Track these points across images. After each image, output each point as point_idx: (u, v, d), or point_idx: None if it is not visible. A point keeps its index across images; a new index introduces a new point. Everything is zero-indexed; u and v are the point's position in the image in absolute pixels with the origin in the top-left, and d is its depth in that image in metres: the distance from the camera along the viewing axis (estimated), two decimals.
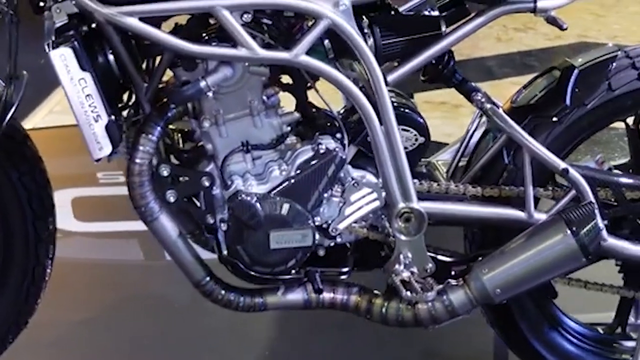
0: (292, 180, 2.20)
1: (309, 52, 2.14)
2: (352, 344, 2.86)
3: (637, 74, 2.33)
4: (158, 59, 2.20)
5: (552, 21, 2.22)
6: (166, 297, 3.11)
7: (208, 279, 2.28)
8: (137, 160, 2.17)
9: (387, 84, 2.17)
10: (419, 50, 2.20)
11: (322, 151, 2.21)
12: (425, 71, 2.33)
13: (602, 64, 2.34)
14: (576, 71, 2.31)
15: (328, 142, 2.22)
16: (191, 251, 2.28)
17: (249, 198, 2.18)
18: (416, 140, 2.30)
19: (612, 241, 2.34)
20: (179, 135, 2.33)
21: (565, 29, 2.20)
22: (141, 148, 2.16)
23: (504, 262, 2.23)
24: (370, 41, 2.18)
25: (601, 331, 2.59)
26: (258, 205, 2.18)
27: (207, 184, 2.23)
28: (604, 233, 2.31)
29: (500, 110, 2.30)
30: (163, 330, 2.99)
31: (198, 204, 2.26)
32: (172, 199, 2.23)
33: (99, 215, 3.54)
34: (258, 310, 2.30)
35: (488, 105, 2.30)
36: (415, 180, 2.28)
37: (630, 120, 2.44)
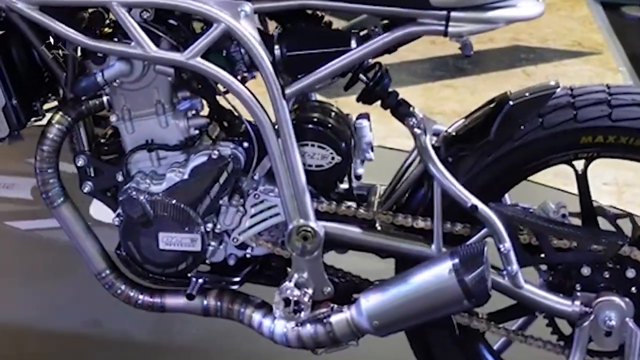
0: (183, 183, 2.19)
1: (220, 60, 2.13)
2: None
3: (574, 114, 2.15)
4: None
5: (462, 47, 2.09)
6: None
7: (108, 272, 2.30)
8: (44, 147, 2.22)
9: (284, 96, 2.11)
10: (324, 64, 2.13)
11: (214, 157, 2.18)
12: (360, 92, 2.26)
13: (538, 99, 2.17)
14: (509, 104, 2.17)
15: (224, 149, 2.19)
16: (94, 241, 2.31)
17: (139, 196, 2.18)
18: (332, 159, 2.22)
19: (529, 288, 2.18)
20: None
21: (469, 56, 2.07)
22: (49, 136, 2.22)
23: (386, 294, 2.12)
24: (278, 52, 2.14)
25: None
26: (146, 203, 2.18)
27: (120, 179, 2.25)
28: (519, 279, 2.16)
29: (427, 138, 2.20)
30: (152, 327, 3.02)
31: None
32: (86, 190, 2.27)
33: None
34: (157, 311, 2.31)
35: (417, 131, 2.21)
36: (324, 200, 2.23)
37: (579, 165, 2.25)
